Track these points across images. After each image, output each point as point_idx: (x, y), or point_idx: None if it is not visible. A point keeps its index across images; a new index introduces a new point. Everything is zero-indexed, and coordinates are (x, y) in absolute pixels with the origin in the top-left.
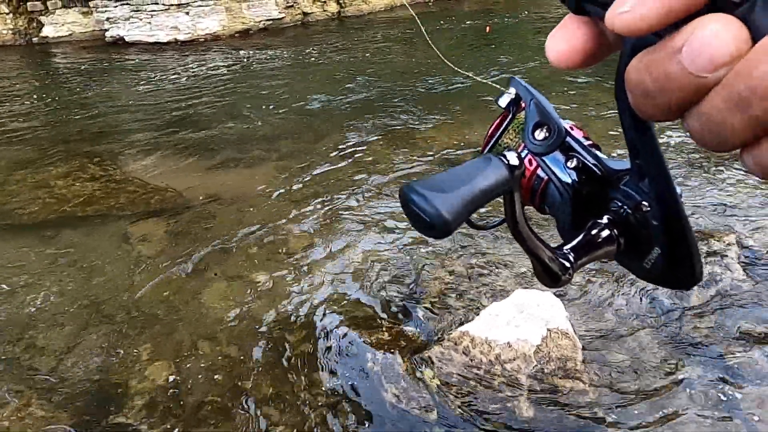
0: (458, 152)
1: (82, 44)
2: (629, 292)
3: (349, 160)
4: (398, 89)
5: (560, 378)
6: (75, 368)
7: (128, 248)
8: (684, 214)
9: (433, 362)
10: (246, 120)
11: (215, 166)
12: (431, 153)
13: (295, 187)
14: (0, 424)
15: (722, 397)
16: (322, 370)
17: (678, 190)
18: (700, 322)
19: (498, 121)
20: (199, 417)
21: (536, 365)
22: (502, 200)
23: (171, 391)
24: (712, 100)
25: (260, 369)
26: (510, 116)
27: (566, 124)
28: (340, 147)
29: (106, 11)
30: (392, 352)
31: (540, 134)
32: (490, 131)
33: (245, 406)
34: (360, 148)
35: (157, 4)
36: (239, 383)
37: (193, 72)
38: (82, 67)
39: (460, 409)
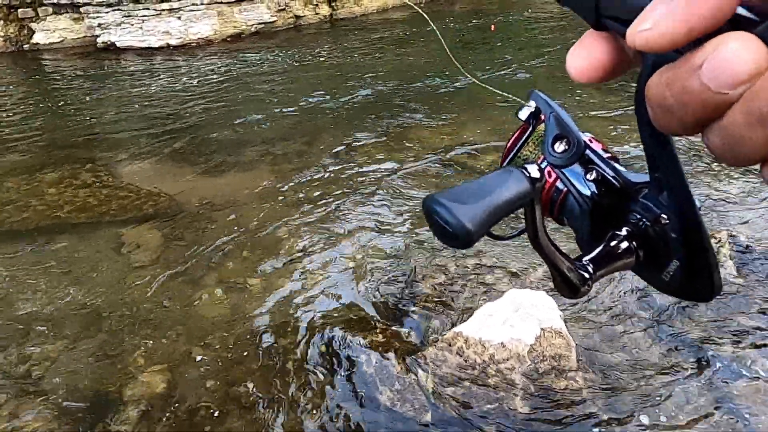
0: (452, 153)
1: (73, 50)
2: (623, 290)
3: (343, 162)
4: (392, 91)
5: (554, 377)
6: (68, 375)
7: (121, 254)
8: (704, 227)
9: (427, 363)
10: (239, 124)
11: (209, 170)
12: (425, 154)
13: (289, 190)
14: None
15: (716, 394)
16: (317, 373)
17: (697, 203)
18: (694, 319)
19: (517, 133)
20: (193, 423)
21: (530, 365)
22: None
23: (165, 397)
24: (732, 115)
25: (255, 373)
26: (530, 129)
27: (585, 136)
28: (334, 149)
29: (97, 17)
30: (386, 354)
31: (560, 147)
32: (509, 144)
33: (239, 411)
34: (354, 150)
35: (149, 9)
36: (233, 388)
37: (185, 77)
38: (74, 74)
39: (454, 410)
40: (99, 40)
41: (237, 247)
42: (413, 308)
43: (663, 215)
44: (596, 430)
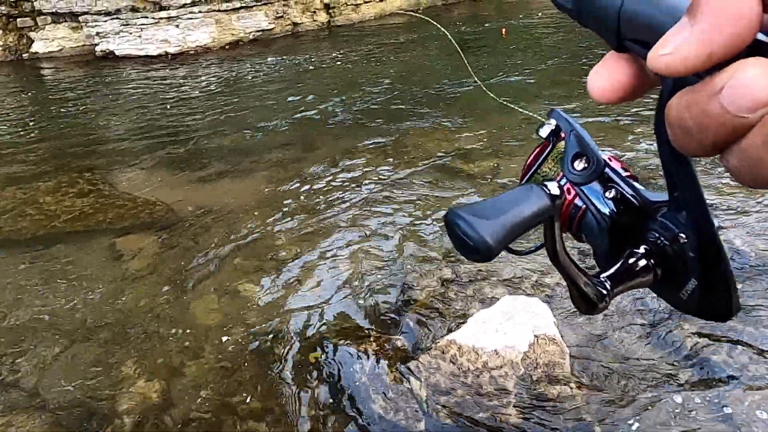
0: (449, 159)
1: (72, 59)
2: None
3: (340, 170)
4: (389, 97)
5: (548, 384)
6: (62, 386)
7: (117, 263)
8: (722, 247)
9: (420, 371)
10: (236, 131)
11: (205, 178)
12: (422, 160)
13: (285, 198)
14: None
15: (711, 400)
16: (310, 382)
17: (715, 222)
18: (688, 324)
19: (537, 150)
20: None
21: (524, 372)
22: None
23: (158, 407)
24: (752, 138)
25: (249, 382)
26: (550, 146)
27: (605, 155)
28: (331, 156)
29: (95, 26)
30: (380, 362)
31: (579, 165)
32: (529, 160)
33: (233, 421)
34: (350, 157)
35: (147, 17)
36: (227, 398)
37: (183, 85)
38: (72, 82)
39: (448, 419)
40: (98, 48)
41: (232, 256)
42: (407, 316)
43: (681, 234)
44: None
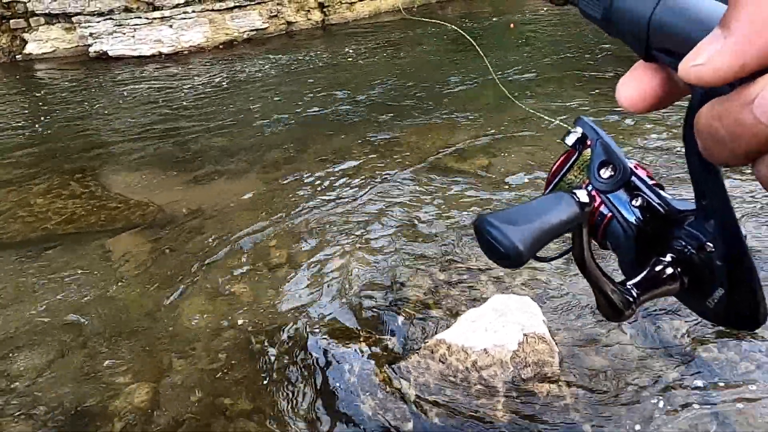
0: (440, 156)
1: (66, 60)
2: None
3: (333, 169)
4: (383, 96)
5: (537, 383)
6: (52, 389)
7: (109, 265)
8: (749, 256)
9: (410, 371)
10: (229, 131)
11: (198, 179)
12: (416, 159)
13: (277, 198)
14: None
15: (702, 398)
16: (301, 383)
17: (743, 231)
18: (678, 322)
19: (563, 158)
20: None
21: (513, 371)
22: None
23: (149, 410)
24: None
25: (239, 384)
26: (576, 154)
27: (631, 163)
28: (324, 156)
29: (89, 26)
30: (369, 362)
31: (605, 173)
32: (554, 168)
33: (224, 422)
34: (344, 157)
35: (140, 18)
36: (218, 399)
37: (176, 85)
38: (66, 84)
39: (436, 419)
40: (91, 49)
41: (224, 257)
42: (397, 315)
43: (708, 243)
44: None
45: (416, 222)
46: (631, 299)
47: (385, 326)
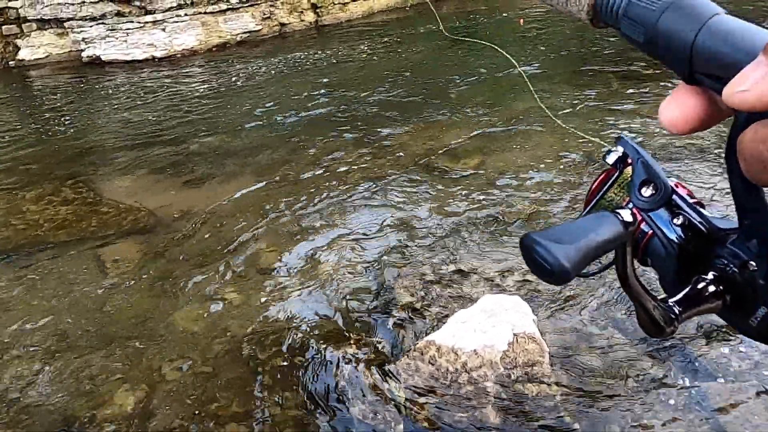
0: (430, 157)
1: (59, 65)
2: (598, 292)
3: (325, 172)
4: (377, 97)
5: (527, 383)
6: (41, 397)
7: (100, 271)
8: None
9: (399, 374)
10: (222, 135)
11: (190, 182)
12: (408, 161)
13: (270, 201)
14: None
15: (694, 397)
16: (291, 388)
17: None
18: None
19: (603, 176)
20: None
21: (503, 372)
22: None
23: (140, 416)
24: None
25: (230, 389)
26: (617, 173)
27: (671, 182)
28: (317, 159)
29: (81, 31)
30: (359, 365)
31: (647, 191)
32: (594, 186)
33: (213, 426)
34: (336, 159)
35: (132, 22)
36: (209, 405)
37: (169, 89)
38: (59, 89)
39: (426, 421)
40: (84, 54)
41: (216, 261)
42: (387, 317)
43: (751, 262)
44: None
45: (408, 223)
46: (673, 316)
47: (375, 329)
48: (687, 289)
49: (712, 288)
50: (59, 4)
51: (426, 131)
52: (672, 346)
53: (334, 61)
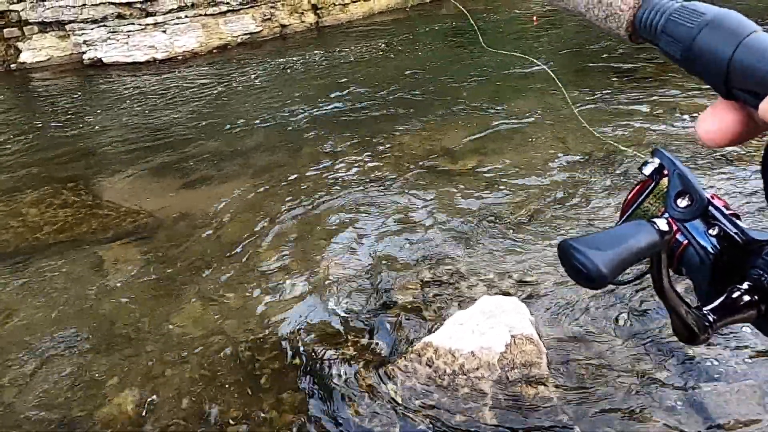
0: (432, 160)
1: (61, 68)
2: (596, 294)
3: (324, 173)
4: (377, 98)
5: (524, 385)
6: (40, 398)
7: (100, 274)
8: None
9: (396, 375)
10: (223, 136)
11: (189, 184)
12: (408, 162)
13: (269, 203)
14: None
15: (691, 398)
16: (288, 389)
17: None
18: (668, 321)
19: (639, 187)
20: None
21: (500, 373)
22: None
23: (138, 418)
24: None
25: (228, 391)
26: (653, 183)
27: (707, 193)
28: (316, 160)
29: (83, 34)
30: (356, 367)
31: (682, 202)
32: (630, 196)
33: (212, 429)
34: (335, 161)
35: (134, 24)
36: (207, 406)
37: (170, 90)
38: (60, 92)
39: (423, 423)
40: (85, 56)
41: (215, 263)
42: (385, 319)
43: None
44: None
45: (406, 224)
46: (707, 324)
47: (372, 330)
48: (722, 298)
49: (747, 297)
50: (61, 6)
51: (426, 132)
52: (670, 347)
53: (335, 62)
